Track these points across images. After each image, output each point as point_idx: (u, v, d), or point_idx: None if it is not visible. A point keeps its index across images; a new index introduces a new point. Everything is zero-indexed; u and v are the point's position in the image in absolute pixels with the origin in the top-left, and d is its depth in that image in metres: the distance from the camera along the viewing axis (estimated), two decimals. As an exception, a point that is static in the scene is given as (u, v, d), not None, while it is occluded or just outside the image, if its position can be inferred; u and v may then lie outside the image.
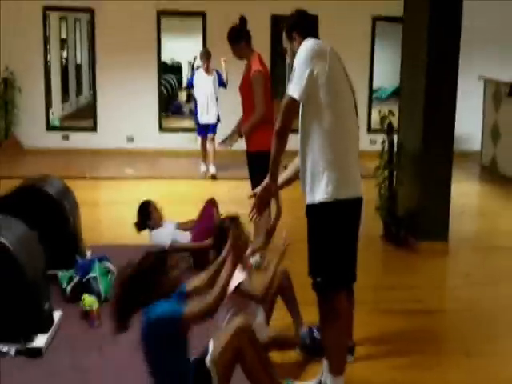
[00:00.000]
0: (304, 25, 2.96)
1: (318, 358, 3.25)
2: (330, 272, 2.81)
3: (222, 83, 8.11)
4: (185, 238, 4.86)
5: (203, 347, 2.71)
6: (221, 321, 3.22)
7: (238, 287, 3.22)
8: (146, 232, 4.94)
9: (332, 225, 2.78)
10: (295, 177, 3.08)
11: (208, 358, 2.62)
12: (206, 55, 8.08)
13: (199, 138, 8.37)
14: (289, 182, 3.18)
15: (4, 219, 3.68)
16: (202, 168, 8.23)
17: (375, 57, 9.99)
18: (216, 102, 8.20)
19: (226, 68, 7.99)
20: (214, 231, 3.51)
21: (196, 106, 8.35)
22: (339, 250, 2.81)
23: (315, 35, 2.93)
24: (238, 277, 3.27)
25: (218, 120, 8.23)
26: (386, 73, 11.21)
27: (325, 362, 2.95)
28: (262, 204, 2.99)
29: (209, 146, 8.21)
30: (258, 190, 3.00)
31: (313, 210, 2.80)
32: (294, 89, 2.73)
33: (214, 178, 8.03)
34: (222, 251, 2.91)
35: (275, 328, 3.48)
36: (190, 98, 9.44)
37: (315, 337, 3.38)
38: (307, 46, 2.79)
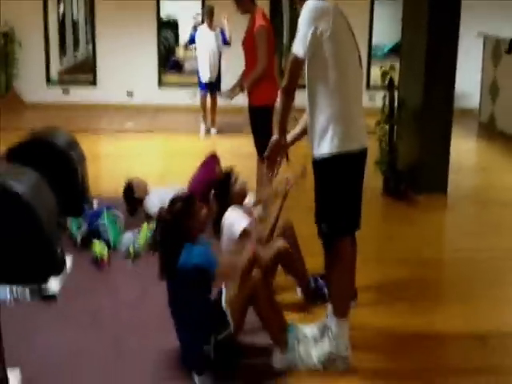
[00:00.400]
0: None
1: (322, 304, 3.40)
2: (335, 219, 2.90)
3: (226, 41, 8.01)
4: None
5: (218, 288, 2.86)
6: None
7: (243, 232, 3.33)
8: (150, 183, 5.02)
9: (338, 176, 2.86)
10: (304, 132, 3.15)
11: (223, 300, 2.78)
12: (210, 11, 7.99)
13: (199, 95, 8.22)
14: (298, 137, 3.25)
15: (16, 168, 3.76)
16: (202, 128, 8.07)
17: (375, 13, 9.91)
18: (219, 59, 8.10)
19: (228, 26, 7.88)
20: (215, 185, 3.64)
21: (198, 64, 8.22)
22: (345, 198, 2.90)
23: None
24: (242, 222, 3.38)
25: (219, 79, 8.16)
26: (386, 29, 11.13)
27: (329, 306, 3.06)
28: (273, 159, 3.07)
29: (210, 103, 8.11)
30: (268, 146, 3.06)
31: (320, 163, 2.87)
32: (298, 47, 2.79)
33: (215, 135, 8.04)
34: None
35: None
36: (188, 54, 9.22)
37: (319, 285, 3.51)
38: (310, 5, 2.82)
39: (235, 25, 5.60)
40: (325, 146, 2.82)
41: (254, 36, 4.70)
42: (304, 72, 2.88)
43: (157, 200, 4.71)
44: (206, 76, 7.99)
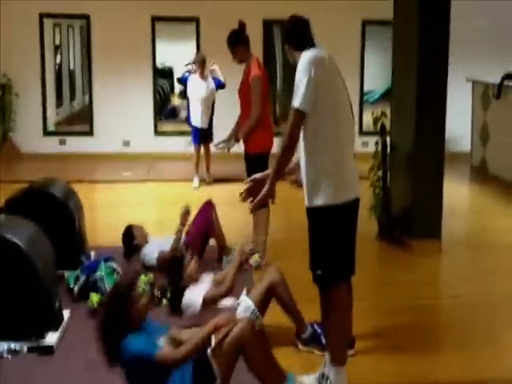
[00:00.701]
0: (294, 37, 3.08)
1: (319, 351, 3.39)
2: (329, 265, 2.94)
3: (220, 84, 7.91)
4: None
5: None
6: None
7: (204, 300, 3.40)
8: (148, 232, 5.06)
9: (332, 224, 2.91)
10: (296, 168, 3.19)
11: (209, 351, 2.71)
12: (201, 60, 7.83)
13: (193, 147, 8.09)
14: (290, 173, 3.28)
15: (15, 219, 3.80)
16: (195, 182, 7.89)
17: (366, 60, 10.16)
18: (212, 107, 8.00)
19: (219, 70, 7.85)
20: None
21: (189, 109, 8.14)
22: (339, 245, 2.95)
23: (307, 41, 3.04)
24: (200, 292, 3.44)
25: (211, 126, 8.01)
26: (376, 76, 11.38)
27: (327, 354, 3.07)
28: (260, 204, 3.13)
29: (204, 152, 8.02)
30: (261, 192, 3.07)
31: (314, 212, 2.93)
32: (301, 100, 2.81)
33: (209, 184, 7.91)
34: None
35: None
36: (183, 98, 9.09)
37: (316, 331, 3.51)
38: (308, 56, 2.90)
39: (231, 71, 5.70)
40: (319, 197, 2.88)
41: (249, 85, 4.83)
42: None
43: (154, 250, 4.75)
44: (197, 122, 7.90)
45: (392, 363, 3.49)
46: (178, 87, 8.72)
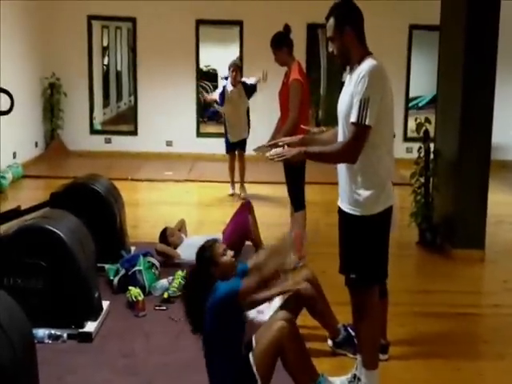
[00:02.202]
0: (357, 19, 2.83)
1: (352, 354, 3.37)
2: (365, 269, 2.91)
3: (251, 88, 7.37)
4: None
5: (246, 342, 2.85)
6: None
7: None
8: (187, 229, 5.12)
9: (368, 233, 2.89)
10: (320, 142, 3.14)
11: (251, 354, 2.77)
12: (235, 66, 7.36)
13: (227, 156, 7.67)
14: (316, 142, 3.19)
15: (58, 213, 3.90)
16: (230, 190, 7.57)
17: (412, 65, 10.06)
18: (246, 116, 7.51)
19: (261, 77, 7.29)
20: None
21: (225, 124, 7.56)
22: (375, 250, 2.92)
23: (364, 34, 2.87)
24: None
25: (248, 136, 7.53)
26: (424, 81, 11.24)
27: (359, 357, 3.05)
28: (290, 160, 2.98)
29: (238, 160, 7.59)
30: (290, 150, 2.97)
31: (351, 219, 2.90)
32: (367, 115, 2.68)
33: (243, 199, 6.92)
34: None
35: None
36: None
37: (350, 333, 3.48)
38: (375, 67, 2.72)
39: (272, 75, 5.68)
40: (358, 206, 2.84)
41: (289, 89, 4.84)
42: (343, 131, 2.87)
43: (188, 248, 4.81)
44: (232, 137, 7.46)
45: (426, 370, 3.43)
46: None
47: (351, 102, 2.75)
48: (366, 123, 2.69)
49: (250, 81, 7.46)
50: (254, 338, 2.85)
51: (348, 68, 2.90)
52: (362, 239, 2.88)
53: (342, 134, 2.89)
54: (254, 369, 2.74)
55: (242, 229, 4.94)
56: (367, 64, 2.74)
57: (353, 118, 2.73)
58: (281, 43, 4.89)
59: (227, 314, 2.75)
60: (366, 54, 2.82)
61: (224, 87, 7.45)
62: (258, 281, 2.76)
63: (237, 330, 2.80)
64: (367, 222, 2.85)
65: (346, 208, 2.90)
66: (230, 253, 2.99)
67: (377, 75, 2.72)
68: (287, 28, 4.93)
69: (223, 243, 4.63)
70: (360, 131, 2.71)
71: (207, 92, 13.05)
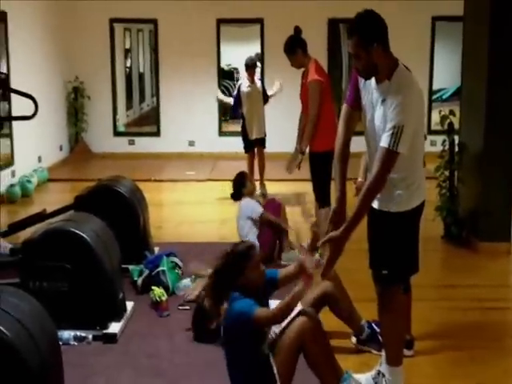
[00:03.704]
0: (383, 34, 2.72)
1: (377, 351, 3.34)
2: (397, 265, 2.89)
3: (266, 95, 7.38)
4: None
5: (270, 341, 2.82)
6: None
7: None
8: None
9: (401, 229, 2.87)
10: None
11: (271, 354, 2.73)
12: (252, 64, 7.26)
13: (247, 155, 7.55)
14: None
15: (83, 215, 3.96)
16: None
17: (436, 57, 9.93)
18: (263, 114, 7.41)
19: (278, 89, 7.32)
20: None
21: (244, 122, 7.45)
22: (407, 245, 2.90)
23: (388, 43, 2.76)
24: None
25: (265, 134, 7.46)
26: (448, 73, 11.09)
27: (383, 354, 3.03)
28: (334, 254, 2.81)
29: (258, 159, 7.49)
30: (333, 235, 2.80)
31: (384, 217, 2.88)
32: (402, 144, 2.62)
33: (264, 196, 7.16)
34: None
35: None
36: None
37: (375, 330, 3.46)
38: (414, 89, 2.69)
39: (292, 73, 5.67)
40: (392, 203, 2.84)
41: (308, 89, 4.83)
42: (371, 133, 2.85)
43: (257, 206, 4.93)
44: (252, 135, 7.35)
45: (453, 366, 3.39)
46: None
47: (384, 124, 2.68)
48: (398, 151, 2.64)
49: (269, 92, 7.41)
50: (271, 332, 2.82)
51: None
52: (396, 235, 2.86)
53: (374, 151, 2.81)
54: (275, 369, 2.71)
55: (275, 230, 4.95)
56: (402, 85, 2.66)
57: (384, 143, 2.65)
58: (294, 47, 4.90)
59: (243, 331, 2.70)
60: (394, 64, 2.74)
61: (239, 88, 7.39)
62: (275, 314, 2.67)
63: (256, 337, 2.75)
64: (401, 218, 2.84)
65: (379, 206, 2.87)
66: (262, 266, 2.89)
67: (412, 100, 2.66)
68: (297, 30, 4.94)
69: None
70: (390, 157, 2.65)
71: (228, 92, 13.00)
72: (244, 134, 7.48)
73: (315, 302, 3.24)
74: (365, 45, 2.67)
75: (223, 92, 10.64)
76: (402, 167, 2.76)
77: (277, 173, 7.95)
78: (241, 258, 2.79)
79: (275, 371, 2.71)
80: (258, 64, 7.71)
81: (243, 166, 7.83)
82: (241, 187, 5.10)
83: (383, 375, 2.91)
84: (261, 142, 7.45)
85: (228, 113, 12.12)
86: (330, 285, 3.35)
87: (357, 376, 2.99)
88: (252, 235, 4.80)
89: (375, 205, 2.90)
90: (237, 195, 5.14)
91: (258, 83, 7.42)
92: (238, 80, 7.58)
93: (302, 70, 5.00)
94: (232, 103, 7.55)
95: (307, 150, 5.00)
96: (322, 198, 4.89)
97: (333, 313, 3.45)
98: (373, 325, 3.47)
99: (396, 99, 2.64)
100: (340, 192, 2.95)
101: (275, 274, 2.94)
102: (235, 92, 7.54)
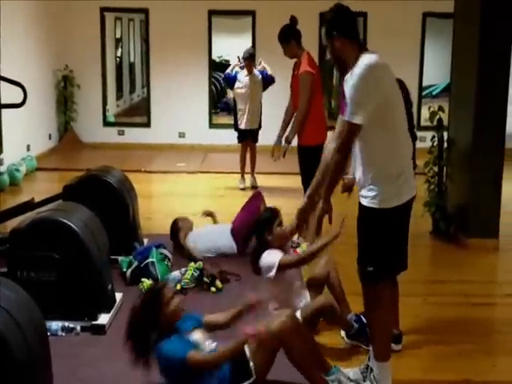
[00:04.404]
0: (344, 23, 2.88)
1: (366, 346, 3.36)
2: (383, 262, 2.88)
3: (268, 77, 7.40)
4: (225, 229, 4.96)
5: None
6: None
7: (279, 264, 3.34)
8: (200, 221, 5.14)
9: (387, 225, 2.86)
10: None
11: (247, 350, 2.76)
12: (249, 56, 7.29)
13: (240, 146, 7.61)
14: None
15: (71, 205, 3.92)
16: (241, 184, 7.47)
17: (426, 53, 9.96)
18: (259, 106, 7.46)
19: (266, 66, 7.43)
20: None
21: (235, 110, 7.54)
22: (394, 243, 2.90)
23: (356, 34, 2.89)
24: (275, 256, 3.40)
25: (260, 127, 7.52)
26: (438, 69, 11.13)
27: (371, 349, 3.04)
28: (319, 226, 3.06)
29: (249, 154, 7.55)
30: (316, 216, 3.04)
31: (369, 212, 2.86)
32: (357, 114, 2.70)
33: (254, 188, 7.21)
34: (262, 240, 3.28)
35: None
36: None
37: (363, 323, 3.47)
38: (367, 64, 2.71)
39: (285, 65, 5.66)
40: (376, 199, 2.81)
41: (299, 80, 4.82)
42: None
43: (198, 239, 4.83)
44: (242, 123, 7.38)
45: (440, 361, 3.41)
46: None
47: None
48: (354, 121, 2.72)
49: (270, 71, 7.43)
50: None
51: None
52: (382, 232, 2.85)
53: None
54: (251, 364, 2.75)
55: (252, 218, 4.93)
56: (359, 63, 2.74)
57: (345, 116, 2.79)
58: (288, 36, 4.88)
59: (177, 370, 2.70)
60: (360, 52, 2.80)
61: (236, 73, 7.41)
62: (203, 362, 2.68)
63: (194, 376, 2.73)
64: (388, 214, 2.82)
65: (366, 202, 2.86)
66: (177, 300, 2.86)
67: (364, 70, 2.70)
68: (294, 20, 4.91)
69: (232, 231, 4.72)
70: (348, 128, 2.77)
71: (220, 84, 12.90)
72: (236, 124, 7.52)
73: (313, 314, 3.34)
74: (327, 35, 2.87)
75: (214, 84, 10.60)
76: (382, 155, 2.77)
77: (269, 166, 7.99)
78: (154, 295, 2.82)
79: (251, 366, 2.74)
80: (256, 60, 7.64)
81: (234, 159, 7.85)
82: (177, 234, 4.91)
83: (371, 370, 2.93)
84: (253, 135, 7.45)
85: (218, 105, 12.14)
86: (326, 301, 3.43)
87: (345, 370, 3.01)
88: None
89: (362, 201, 2.89)
90: (179, 245, 4.86)
91: (256, 74, 7.39)
92: (242, 68, 7.47)
93: (294, 61, 4.99)
94: (227, 74, 7.54)
95: (296, 143, 5.01)
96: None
97: (327, 322, 3.53)
98: (361, 317, 3.48)
99: (351, 77, 2.75)
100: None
101: (199, 316, 2.95)
102: (233, 73, 7.46)
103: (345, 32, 2.84)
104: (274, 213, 3.61)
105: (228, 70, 7.61)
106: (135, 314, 2.82)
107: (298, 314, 3.31)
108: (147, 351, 2.76)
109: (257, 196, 5.12)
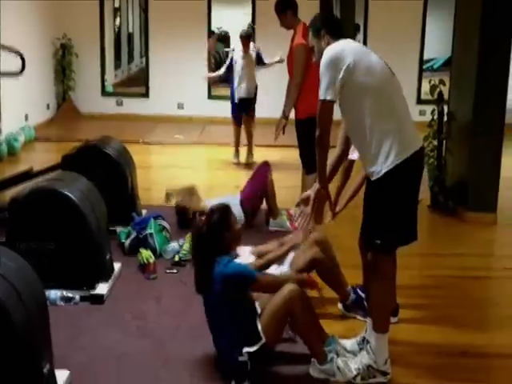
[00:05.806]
0: (331, 24, 3.07)
1: (362, 317, 3.39)
2: (390, 235, 2.84)
3: (261, 61, 7.32)
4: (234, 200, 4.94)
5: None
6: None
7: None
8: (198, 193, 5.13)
9: (399, 186, 2.80)
10: (335, 171, 3.27)
11: (258, 319, 2.81)
12: (246, 35, 7.18)
13: (233, 120, 7.42)
14: (330, 178, 3.25)
15: (70, 175, 3.91)
16: (234, 159, 7.37)
17: (427, 26, 9.84)
18: (254, 77, 7.30)
19: (276, 61, 7.22)
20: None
21: (233, 82, 7.35)
22: (402, 212, 2.85)
23: (342, 35, 3.01)
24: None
25: (255, 97, 7.35)
26: (439, 42, 11.03)
27: (369, 320, 3.05)
28: (317, 210, 3.08)
29: (245, 125, 7.31)
30: (311, 195, 3.08)
31: (378, 182, 2.81)
32: (326, 92, 2.82)
33: (248, 165, 7.13)
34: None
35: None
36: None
37: (360, 296, 3.49)
38: (334, 45, 2.89)
39: (284, 39, 5.59)
40: (389, 160, 2.76)
41: (293, 53, 4.77)
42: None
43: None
44: (240, 92, 7.23)
45: (436, 333, 3.44)
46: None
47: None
48: (322, 98, 2.84)
49: (266, 60, 7.34)
50: (257, 303, 2.92)
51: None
52: (384, 200, 2.81)
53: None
54: (259, 327, 2.80)
55: (260, 188, 4.94)
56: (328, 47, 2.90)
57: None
58: (285, 7, 4.81)
59: (235, 290, 2.81)
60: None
61: (232, 59, 7.29)
62: (270, 283, 2.88)
63: (244, 298, 2.85)
64: (380, 181, 2.78)
65: (375, 173, 2.81)
66: (239, 224, 3.00)
67: (330, 50, 2.86)
68: None
69: (241, 202, 4.75)
70: (322, 106, 2.86)
71: (219, 55, 12.80)
72: (232, 97, 7.40)
73: (304, 267, 3.29)
74: (314, 34, 3.10)
75: (213, 55, 10.49)
76: (375, 117, 2.77)
77: (266, 139, 7.95)
78: (222, 214, 2.91)
79: (259, 328, 2.78)
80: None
81: (232, 132, 7.75)
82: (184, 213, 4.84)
83: (368, 341, 2.95)
84: (248, 104, 7.27)
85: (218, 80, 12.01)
86: (318, 251, 3.38)
87: (342, 341, 3.03)
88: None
89: (372, 170, 2.83)
90: (186, 221, 4.79)
91: (253, 54, 7.28)
92: (230, 52, 7.47)
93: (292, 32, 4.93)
94: (221, 73, 7.49)
95: (292, 116, 4.97)
96: (308, 164, 4.87)
97: (320, 278, 3.48)
98: (358, 290, 3.50)
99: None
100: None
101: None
102: (227, 61, 7.41)
103: (331, 31, 2.99)
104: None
105: (226, 67, 7.44)
106: (203, 231, 2.88)
107: (287, 268, 3.31)
108: (211, 271, 2.80)
109: (264, 166, 5.12)
